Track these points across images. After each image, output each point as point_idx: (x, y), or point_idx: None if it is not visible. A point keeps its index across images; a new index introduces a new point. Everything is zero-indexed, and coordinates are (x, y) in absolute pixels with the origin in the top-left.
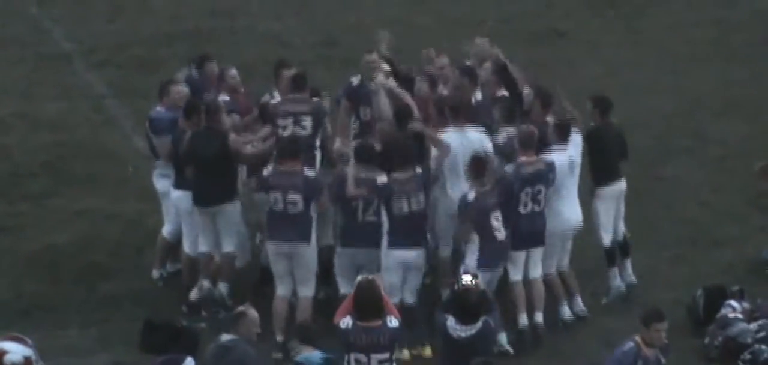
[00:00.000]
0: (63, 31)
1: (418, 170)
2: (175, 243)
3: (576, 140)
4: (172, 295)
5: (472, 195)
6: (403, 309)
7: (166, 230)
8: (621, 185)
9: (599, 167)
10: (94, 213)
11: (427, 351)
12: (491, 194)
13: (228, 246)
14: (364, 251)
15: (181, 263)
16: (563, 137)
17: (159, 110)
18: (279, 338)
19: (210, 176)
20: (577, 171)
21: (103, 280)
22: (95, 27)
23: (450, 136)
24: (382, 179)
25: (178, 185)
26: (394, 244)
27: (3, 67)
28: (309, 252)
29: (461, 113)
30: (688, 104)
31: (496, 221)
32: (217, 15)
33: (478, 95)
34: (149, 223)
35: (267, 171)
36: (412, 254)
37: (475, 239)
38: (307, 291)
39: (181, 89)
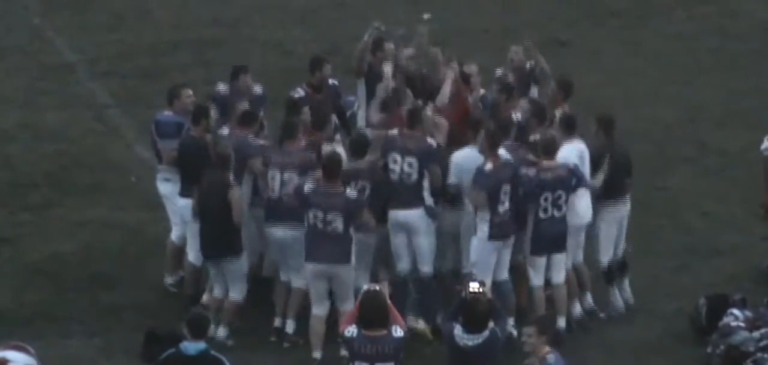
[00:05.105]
0: (65, 40)
1: (417, 131)
2: (184, 246)
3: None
4: (174, 305)
5: (489, 165)
6: (421, 280)
7: (175, 234)
8: (626, 206)
9: (603, 186)
10: (96, 223)
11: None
12: (505, 168)
13: (234, 294)
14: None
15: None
16: (569, 130)
17: (167, 113)
18: (316, 354)
19: (213, 229)
20: (587, 164)
21: (105, 290)
22: (98, 37)
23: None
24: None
25: (185, 193)
26: (392, 205)
27: (5, 76)
28: (348, 273)
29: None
30: (689, 113)
31: (504, 194)
32: (220, 24)
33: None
34: (151, 232)
35: (308, 188)
36: (412, 214)
37: (486, 211)
38: (347, 305)
39: (190, 93)
